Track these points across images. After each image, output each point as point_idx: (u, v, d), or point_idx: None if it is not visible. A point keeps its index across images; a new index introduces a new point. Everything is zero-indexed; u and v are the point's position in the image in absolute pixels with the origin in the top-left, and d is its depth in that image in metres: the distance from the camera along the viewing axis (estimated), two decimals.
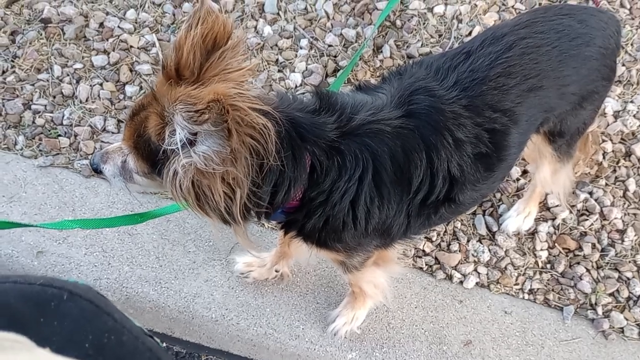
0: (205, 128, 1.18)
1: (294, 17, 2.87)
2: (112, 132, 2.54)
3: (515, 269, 2.43)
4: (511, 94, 1.62)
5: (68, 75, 2.66)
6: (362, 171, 1.49)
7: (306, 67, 2.76)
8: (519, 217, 2.46)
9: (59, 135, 2.54)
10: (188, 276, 2.33)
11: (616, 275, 2.43)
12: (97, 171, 1.56)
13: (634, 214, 2.56)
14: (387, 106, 1.54)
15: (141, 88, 2.65)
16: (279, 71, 2.74)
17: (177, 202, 1.40)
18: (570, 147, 2.04)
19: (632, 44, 2.95)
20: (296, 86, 2.70)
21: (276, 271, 2.31)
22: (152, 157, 1.36)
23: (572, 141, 2.02)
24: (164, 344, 2.35)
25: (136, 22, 2.81)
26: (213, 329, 2.28)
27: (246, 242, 1.53)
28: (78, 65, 2.68)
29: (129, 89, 2.64)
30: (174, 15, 2.84)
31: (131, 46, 2.74)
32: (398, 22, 2.91)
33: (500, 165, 1.71)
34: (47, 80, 2.65)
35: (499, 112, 1.61)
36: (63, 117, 2.56)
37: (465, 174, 1.62)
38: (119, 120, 2.57)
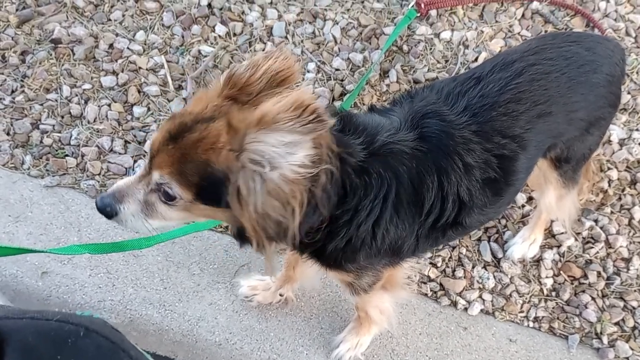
0: (297, 138, 1.17)
1: (302, 41, 2.90)
2: (119, 153, 2.56)
3: (521, 296, 2.42)
4: (520, 120, 1.64)
5: (77, 95, 2.68)
6: (386, 191, 1.50)
7: (313, 91, 2.78)
8: (524, 244, 2.46)
9: (66, 155, 2.55)
10: (192, 299, 2.32)
11: (622, 304, 2.42)
12: (109, 215, 1.43)
13: (639, 242, 2.56)
14: (403, 128, 1.56)
15: (149, 109, 2.67)
16: None
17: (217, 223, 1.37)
18: (575, 172, 2.05)
19: (637, 72, 2.97)
20: None
21: (280, 295, 2.30)
22: (205, 180, 1.29)
23: (578, 167, 2.03)
24: None
25: (145, 44, 2.83)
26: (216, 353, 2.27)
27: (273, 265, 1.50)
28: (87, 86, 2.70)
29: (137, 110, 2.65)
30: (182, 37, 2.87)
31: (140, 67, 2.76)
32: (405, 47, 2.93)
33: (508, 189, 1.73)
34: (56, 100, 2.67)
35: (508, 138, 1.63)
36: (71, 137, 2.58)
37: (474, 198, 1.64)
38: (126, 141, 2.59)
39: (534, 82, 1.67)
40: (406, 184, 1.53)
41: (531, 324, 2.39)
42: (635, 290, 2.45)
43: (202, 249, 2.42)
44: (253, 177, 1.22)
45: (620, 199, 2.65)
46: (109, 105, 2.66)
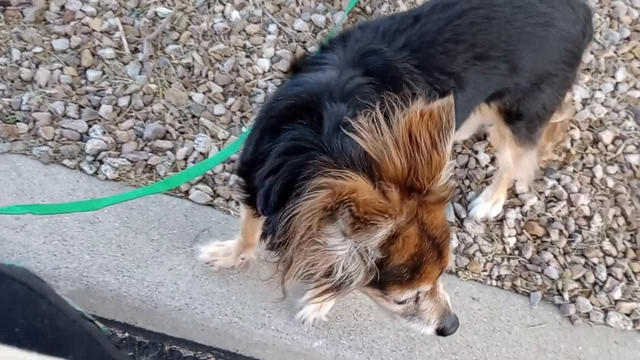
0: None
1: (263, 2, 2.82)
2: (73, 118, 2.47)
3: (484, 256, 2.42)
4: (458, 59, 1.66)
5: (27, 59, 2.57)
6: None
7: (274, 53, 2.71)
8: (487, 204, 2.45)
9: (17, 121, 2.45)
10: (151, 265, 2.27)
11: (583, 261, 2.45)
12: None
13: (601, 201, 2.57)
14: (345, 76, 1.49)
15: (103, 73, 2.58)
16: (247, 57, 2.69)
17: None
18: (530, 132, 2.03)
19: (600, 32, 2.96)
20: (264, 72, 2.65)
21: (242, 259, 2.26)
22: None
23: (532, 126, 2.02)
24: (126, 334, 2.30)
25: (99, 5, 2.72)
26: (177, 318, 2.23)
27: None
28: (38, 49, 2.59)
29: (91, 74, 2.56)
30: None
31: (93, 30, 2.66)
32: (368, 8, 2.88)
33: None
34: (5, 65, 2.56)
35: (446, 75, 1.64)
36: (21, 102, 2.47)
37: None
38: (80, 106, 2.49)
39: (474, 25, 1.69)
40: None
41: (494, 283, 2.40)
42: (596, 247, 2.47)
43: (161, 214, 2.36)
44: None
45: (582, 158, 2.66)
46: (62, 69, 2.56)
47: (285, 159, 1.35)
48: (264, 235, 1.50)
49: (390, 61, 1.57)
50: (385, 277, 1.27)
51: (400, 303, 1.43)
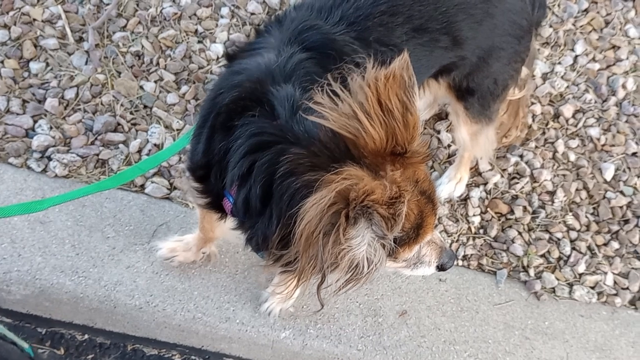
0: None
1: None
2: (17, 113, 2.34)
3: (449, 236, 2.40)
4: (396, 31, 1.63)
5: None
6: None
7: (228, 37, 2.62)
8: (450, 184, 2.43)
9: None
10: (108, 263, 2.18)
11: (547, 236, 2.45)
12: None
13: (563, 175, 2.57)
14: (285, 58, 1.44)
15: (47, 64, 2.45)
16: (199, 42, 2.59)
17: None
18: (484, 108, 2.01)
19: (558, 5, 2.94)
20: (218, 58, 2.56)
21: (203, 253, 2.19)
22: None
23: (485, 102, 1.99)
24: (86, 336, 2.22)
25: None
26: (138, 317, 2.16)
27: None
28: None
29: (34, 66, 2.43)
30: None
31: (34, 19, 2.52)
32: None
33: None
34: None
35: (386, 47, 1.61)
36: None
37: None
38: (24, 100, 2.37)
39: None
40: None
41: (460, 263, 2.38)
42: (559, 222, 2.47)
43: (116, 210, 2.27)
44: None
45: (544, 133, 2.65)
46: (2, 62, 2.42)
47: (253, 159, 1.28)
48: (248, 240, 1.43)
49: (328, 34, 1.53)
50: (396, 244, 1.28)
51: (406, 260, 1.46)
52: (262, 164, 1.26)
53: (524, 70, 2.14)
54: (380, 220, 1.10)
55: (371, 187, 1.09)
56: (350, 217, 1.09)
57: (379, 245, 1.19)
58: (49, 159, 2.29)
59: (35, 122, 2.34)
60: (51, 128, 2.33)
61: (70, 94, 2.40)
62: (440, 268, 1.55)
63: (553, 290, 2.36)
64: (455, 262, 1.57)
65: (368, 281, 1.28)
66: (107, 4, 2.58)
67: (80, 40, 2.52)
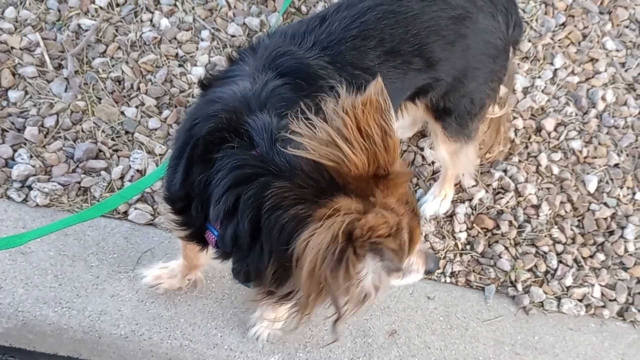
0: None
1: (193, 8, 2.71)
2: None
3: (436, 253, 2.40)
4: (369, 54, 1.65)
5: None
6: None
7: (209, 60, 2.61)
8: (435, 201, 2.43)
9: None
10: (92, 293, 2.15)
11: (533, 250, 2.45)
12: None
13: (547, 189, 2.59)
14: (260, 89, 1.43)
15: (26, 92, 2.42)
16: (180, 66, 2.58)
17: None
18: (462, 127, 2.02)
19: (536, 20, 2.98)
20: (199, 81, 2.54)
21: (188, 279, 2.17)
22: None
23: (462, 121, 2.00)
24: None
25: (17, 21, 2.56)
26: (124, 347, 2.12)
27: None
28: None
29: (13, 95, 2.40)
30: (59, 11, 2.60)
31: (12, 47, 2.49)
32: (303, 8, 2.80)
33: None
34: None
35: (360, 70, 1.63)
36: None
37: None
38: (3, 130, 2.34)
39: (380, 20, 1.68)
40: None
41: (448, 280, 2.38)
42: (545, 236, 2.48)
43: (99, 239, 2.24)
44: None
45: (527, 147, 2.67)
46: None
47: (237, 194, 1.27)
48: (236, 273, 1.42)
49: (302, 59, 1.55)
50: None
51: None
52: (247, 198, 1.24)
53: (503, 89, 2.16)
54: (391, 255, 1.12)
55: (375, 223, 1.09)
56: (358, 253, 1.10)
57: (384, 272, 1.21)
58: (30, 188, 2.25)
59: (14, 151, 2.31)
60: (31, 157, 2.30)
61: (50, 122, 2.37)
62: (426, 273, 1.58)
63: (541, 304, 2.36)
64: (438, 263, 1.63)
65: (371, 304, 1.29)
66: (86, 30, 2.57)
67: (59, 67, 2.50)
